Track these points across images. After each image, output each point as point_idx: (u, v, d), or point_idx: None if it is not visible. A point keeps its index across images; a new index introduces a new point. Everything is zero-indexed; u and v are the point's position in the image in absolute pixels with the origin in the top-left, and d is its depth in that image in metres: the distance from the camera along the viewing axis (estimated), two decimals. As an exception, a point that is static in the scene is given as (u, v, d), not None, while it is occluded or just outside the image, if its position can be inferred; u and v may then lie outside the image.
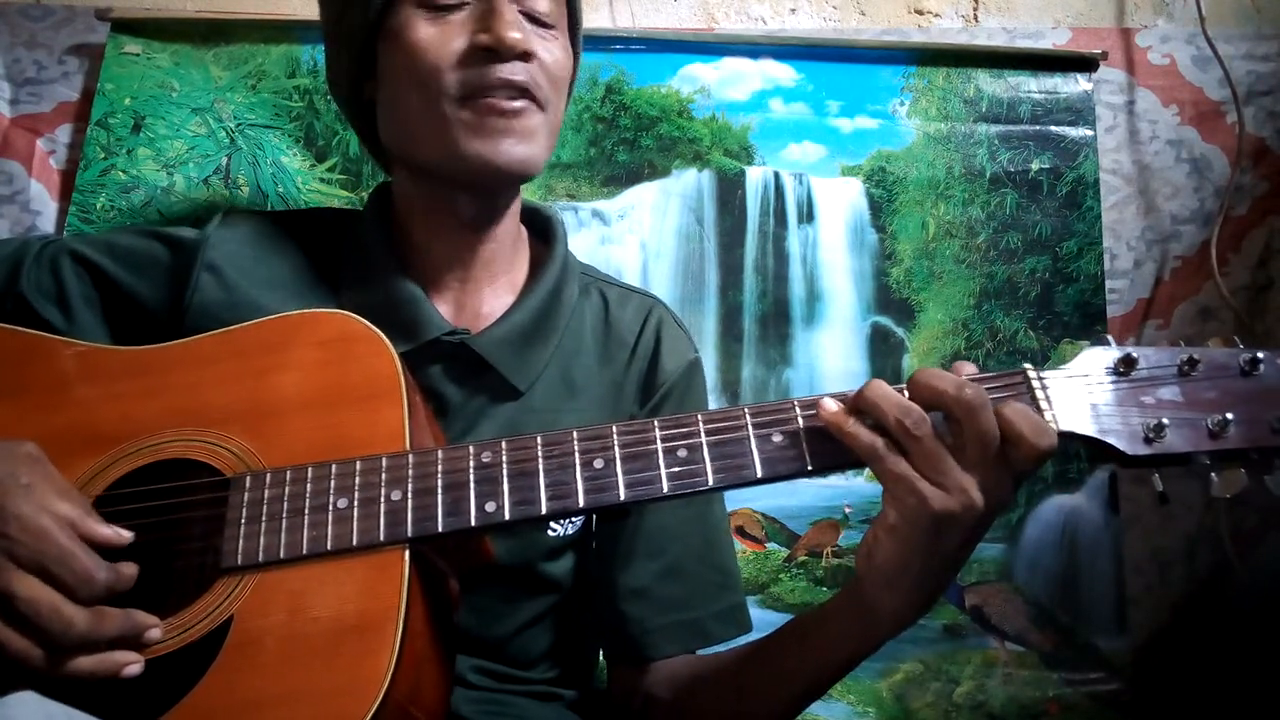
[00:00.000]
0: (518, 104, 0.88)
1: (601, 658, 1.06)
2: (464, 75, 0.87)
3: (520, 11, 0.90)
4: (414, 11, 0.89)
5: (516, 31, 0.87)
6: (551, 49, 0.93)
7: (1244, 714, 1.33)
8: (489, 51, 0.87)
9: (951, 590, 1.45)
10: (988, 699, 1.44)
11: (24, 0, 1.49)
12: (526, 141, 0.90)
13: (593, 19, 1.56)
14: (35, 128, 1.48)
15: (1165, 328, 1.54)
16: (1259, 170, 1.56)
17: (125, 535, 0.71)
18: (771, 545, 1.47)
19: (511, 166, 0.89)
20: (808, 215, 1.56)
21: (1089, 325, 1.53)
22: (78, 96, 1.49)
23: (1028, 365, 0.75)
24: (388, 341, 0.81)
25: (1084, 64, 1.58)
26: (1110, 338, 0.77)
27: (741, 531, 1.46)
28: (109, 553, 0.69)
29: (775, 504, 1.48)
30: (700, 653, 0.99)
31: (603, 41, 1.55)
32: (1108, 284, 1.54)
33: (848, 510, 1.49)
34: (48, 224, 1.46)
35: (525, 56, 0.88)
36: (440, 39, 0.88)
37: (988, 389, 0.72)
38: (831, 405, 0.72)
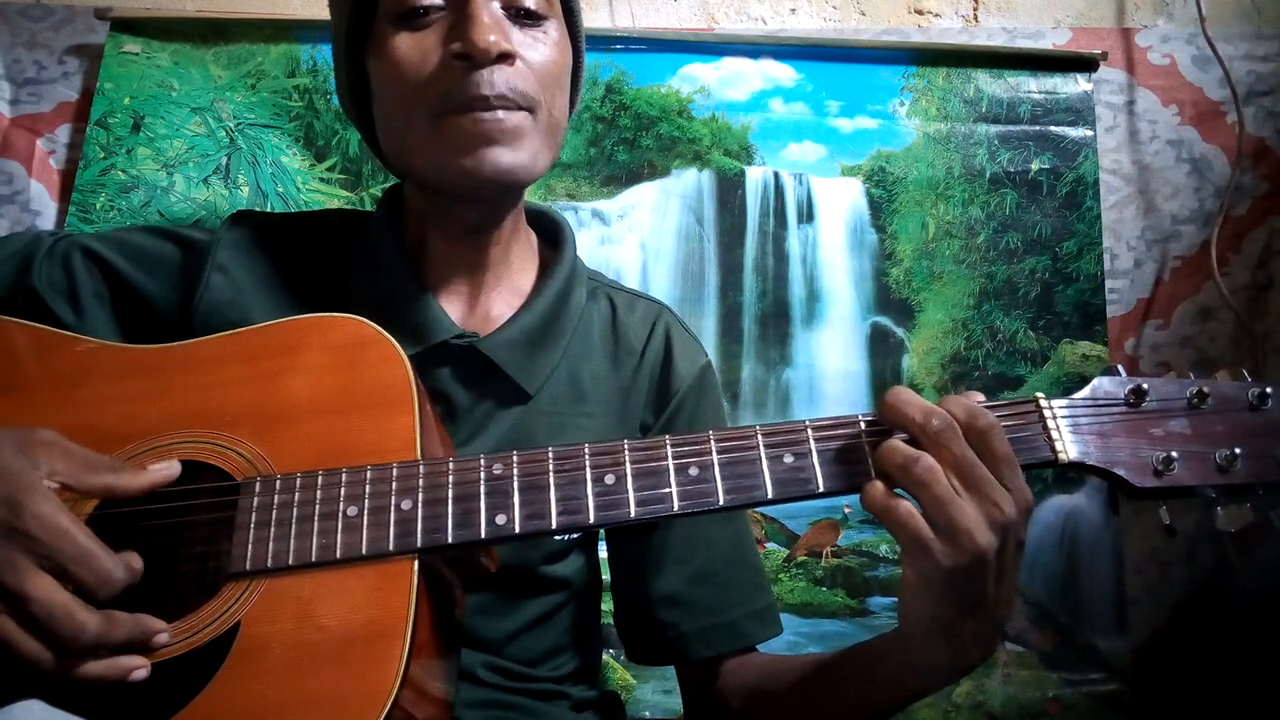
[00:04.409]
0: (499, 115, 0.84)
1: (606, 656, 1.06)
2: (441, 88, 0.84)
3: (504, 5, 0.86)
4: (390, 24, 0.86)
5: (491, 34, 0.82)
6: (540, 46, 0.88)
7: (1244, 714, 1.34)
8: (464, 58, 0.82)
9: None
10: (987, 699, 1.44)
11: (24, 0, 1.49)
12: (514, 147, 0.85)
13: (593, 19, 1.56)
14: (35, 128, 1.48)
15: (1165, 328, 1.54)
16: (1259, 170, 1.57)
17: (136, 565, 0.69)
18: (771, 545, 1.48)
19: (499, 176, 0.85)
20: (808, 215, 1.56)
21: (1089, 325, 1.53)
22: (78, 96, 1.49)
23: (1040, 394, 0.75)
24: (399, 347, 0.81)
25: (1084, 64, 1.58)
26: (1120, 367, 0.77)
27: (742, 532, 1.46)
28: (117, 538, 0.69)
29: (775, 504, 1.49)
30: (764, 653, 0.99)
31: (603, 41, 1.55)
32: (1108, 284, 1.55)
33: (847, 511, 1.49)
34: (47, 224, 1.46)
35: (505, 59, 0.84)
36: (417, 50, 0.85)
37: (999, 415, 0.72)
38: (879, 487, 0.71)
